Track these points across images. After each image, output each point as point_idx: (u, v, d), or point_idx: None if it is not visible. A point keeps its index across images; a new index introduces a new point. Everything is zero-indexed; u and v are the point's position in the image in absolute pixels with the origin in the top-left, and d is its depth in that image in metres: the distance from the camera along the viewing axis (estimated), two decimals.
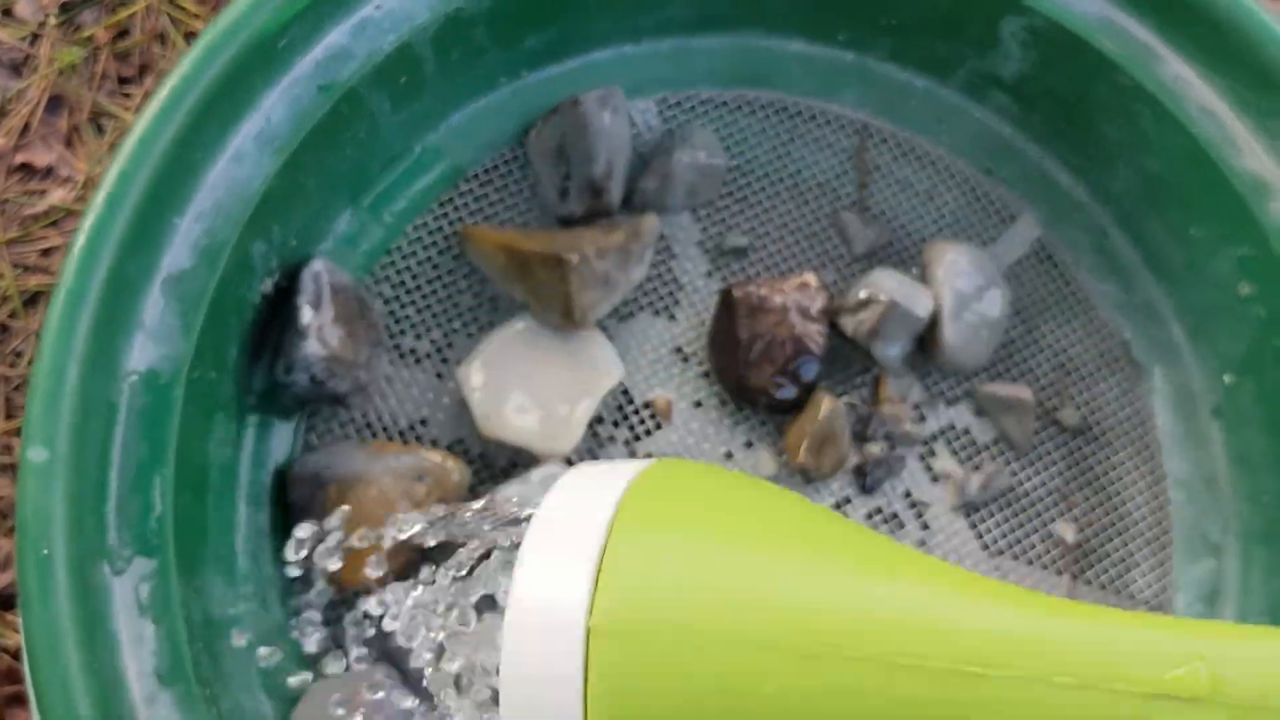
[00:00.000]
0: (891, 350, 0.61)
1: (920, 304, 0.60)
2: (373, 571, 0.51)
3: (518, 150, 0.65)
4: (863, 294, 0.61)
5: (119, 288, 0.48)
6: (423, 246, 0.63)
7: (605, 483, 0.33)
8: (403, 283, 0.63)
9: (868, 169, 0.68)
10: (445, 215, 0.64)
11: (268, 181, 0.53)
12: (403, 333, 0.62)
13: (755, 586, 0.30)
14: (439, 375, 0.61)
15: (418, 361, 0.62)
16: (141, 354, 0.50)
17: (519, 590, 0.31)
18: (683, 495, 0.34)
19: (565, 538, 0.31)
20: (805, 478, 0.61)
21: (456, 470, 0.57)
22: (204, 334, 0.51)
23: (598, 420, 0.61)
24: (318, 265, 0.57)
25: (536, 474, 0.57)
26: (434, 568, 0.44)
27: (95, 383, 0.47)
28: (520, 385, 0.59)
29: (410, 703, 0.50)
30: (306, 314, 0.56)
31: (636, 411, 0.61)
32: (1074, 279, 0.68)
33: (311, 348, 0.56)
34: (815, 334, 0.60)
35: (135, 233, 0.49)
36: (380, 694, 0.50)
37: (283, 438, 0.59)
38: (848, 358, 0.63)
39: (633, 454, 0.60)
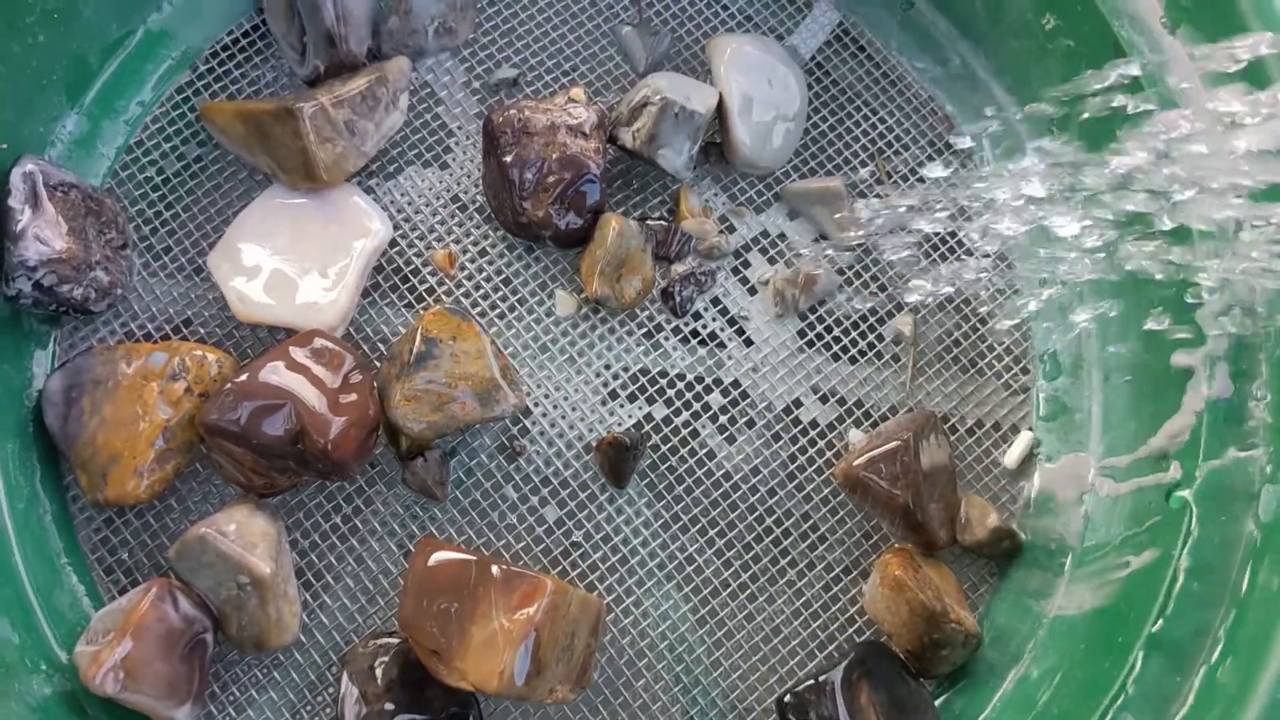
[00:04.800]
0: (678, 158, 0.56)
1: (699, 100, 0.55)
2: None
3: (256, 19, 0.59)
4: (636, 98, 0.55)
5: None
6: (166, 139, 0.58)
7: None
8: (149, 179, 0.57)
9: None
10: (187, 102, 0.58)
11: None
12: (154, 232, 0.57)
13: None
14: (198, 271, 0.56)
15: (174, 260, 0.56)
16: None
17: None
18: None
19: None
20: (609, 310, 0.56)
21: (217, 360, 0.52)
22: None
23: (374, 287, 0.56)
24: (28, 164, 0.52)
25: None
26: None
27: None
28: (274, 261, 0.54)
29: None
30: (20, 215, 0.51)
31: (416, 271, 0.56)
32: (884, 60, 0.62)
33: (30, 250, 0.51)
34: (592, 152, 0.54)
35: None
36: None
37: (41, 366, 0.54)
38: (642, 177, 0.58)
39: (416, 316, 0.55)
